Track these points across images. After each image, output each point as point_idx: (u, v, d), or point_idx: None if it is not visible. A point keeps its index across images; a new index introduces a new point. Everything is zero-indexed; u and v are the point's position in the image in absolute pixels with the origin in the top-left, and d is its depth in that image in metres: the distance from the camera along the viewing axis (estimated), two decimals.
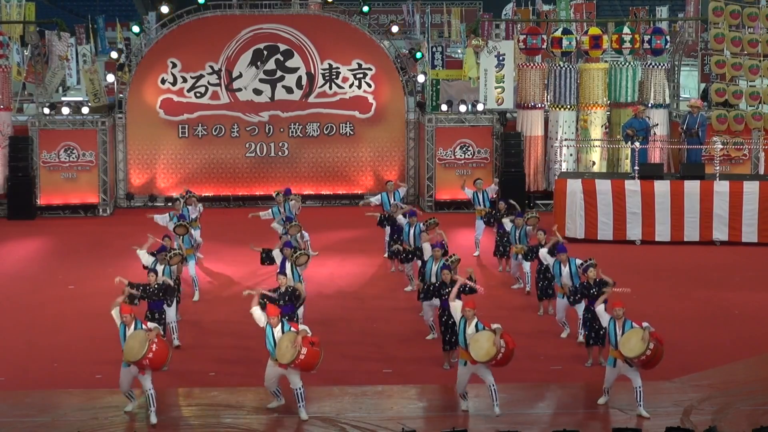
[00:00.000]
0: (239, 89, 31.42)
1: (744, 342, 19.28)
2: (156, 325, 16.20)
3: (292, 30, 31.42)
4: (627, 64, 30.88)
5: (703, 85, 33.68)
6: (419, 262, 20.23)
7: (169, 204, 27.63)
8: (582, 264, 18.48)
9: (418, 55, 32.49)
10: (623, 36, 30.90)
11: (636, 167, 26.85)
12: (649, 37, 31.18)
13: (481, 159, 30.78)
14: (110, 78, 32.21)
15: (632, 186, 26.62)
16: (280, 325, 15.59)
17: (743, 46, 29.86)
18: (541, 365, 17.95)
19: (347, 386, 17.05)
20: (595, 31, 31.11)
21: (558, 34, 30.84)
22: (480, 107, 30.83)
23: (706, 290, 22.62)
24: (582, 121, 30.71)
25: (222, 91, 31.40)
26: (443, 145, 30.75)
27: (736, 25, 30.05)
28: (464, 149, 30.75)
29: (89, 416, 15.80)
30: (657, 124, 30.00)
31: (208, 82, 31.36)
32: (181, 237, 21.52)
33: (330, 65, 31.50)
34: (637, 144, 27.43)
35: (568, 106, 30.70)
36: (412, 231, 22.10)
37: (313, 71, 31.49)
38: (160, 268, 18.85)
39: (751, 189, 26.28)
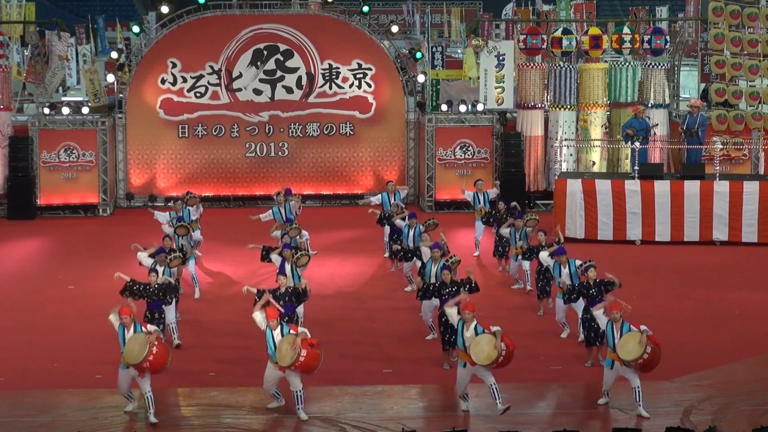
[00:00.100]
0: (239, 89, 31.42)
1: (744, 342, 19.28)
2: (156, 327, 16.18)
3: (292, 30, 31.42)
4: (627, 64, 30.88)
5: (703, 85, 33.67)
6: (419, 263, 20.23)
7: (169, 204, 27.62)
8: (582, 265, 18.49)
9: (418, 55, 32.49)
10: (623, 36, 30.90)
11: (636, 167, 26.85)
12: (649, 37, 31.18)
13: (481, 159, 30.78)
14: (110, 78, 32.21)
15: (632, 186, 26.62)
16: (279, 327, 15.59)
17: (743, 46, 29.86)
18: (541, 365, 17.95)
19: (347, 386, 17.05)
20: (595, 31, 31.11)
21: (558, 34, 30.84)
22: (480, 107, 30.83)
23: (706, 290, 22.62)
24: (582, 121, 30.70)
25: (222, 91, 31.40)
26: (443, 145, 30.75)
27: (736, 25, 30.04)
28: (464, 149, 30.75)
29: (89, 416, 15.81)
30: (657, 124, 30.00)
31: (208, 82, 31.36)
32: (181, 238, 21.54)
33: (330, 65, 31.50)
34: (637, 144, 27.43)
35: (568, 106, 30.69)
36: (411, 232, 22.11)
37: (313, 71, 31.49)
38: (160, 269, 18.86)
39: (751, 189, 26.28)
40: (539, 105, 31.03)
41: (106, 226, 29.17)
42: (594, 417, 15.95)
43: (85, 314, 20.53)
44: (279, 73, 31.45)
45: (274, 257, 19.93)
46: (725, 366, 18.15)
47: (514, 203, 23.65)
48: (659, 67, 30.96)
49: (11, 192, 29.87)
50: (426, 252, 19.61)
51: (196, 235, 23.29)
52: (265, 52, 31.38)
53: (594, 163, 30.40)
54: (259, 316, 15.89)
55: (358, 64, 31.57)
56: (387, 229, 24.32)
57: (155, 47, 31.36)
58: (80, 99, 34.12)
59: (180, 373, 17.26)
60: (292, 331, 15.56)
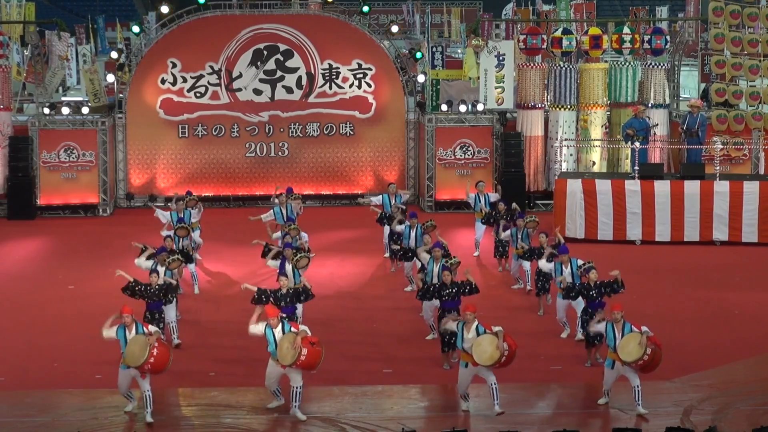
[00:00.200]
0: (239, 89, 31.41)
1: (744, 342, 19.28)
2: (157, 329, 16.19)
3: (292, 30, 31.41)
4: (627, 64, 30.87)
5: (703, 85, 33.67)
6: (419, 263, 20.22)
7: (169, 204, 27.60)
8: (582, 265, 18.49)
9: (418, 55, 32.48)
10: (623, 36, 30.90)
11: (636, 167, 26.85)
12: (649, 37, 31.18)
13: (481, 159, 30.77)
14: (110, 78, 32.20)
15: (632, 186, 26.62)
16: (280, 325, 15.60)
17: (743, 46, 29.86)
18: (541, 365, 17.95)
19: (347, 386, 17.05)
20: (595, 31, 31.11)
21: (558, 34, 30.83)
22: (480, 107, 30.82)
23: (706, 290, 22.61)
24: (582, 121, 30.70)
25: (222, 91, 31.39)
26: (443, 145, 30.74)
27: (736, 25, 30.04)
28: (464, 149, 30.74)
29: (89, 416, 15.81)
30: (657, 124, 30.00)
31: (208, 82, 31.35)
32: (182, 239, 21.53)
33: (330, 65, 31.49)
34: (637, 144, 27.43)
35: (568, 106, 30.69)
36: (412, 233, 22.09)
37: (313, 71, 31.49)
38: (161, 269, 18.86)
39: (751, 189, 26.28)
40: (539, 105, 31.02)
41: (106, 226, 29.17)
42: (594, 417, 15.95)
43: (85, 314, 20.51)
44: (279, 73, 31.44)
45: (271, 263, 19.97)
46: (725, 366, 18.15)
47: (514, 204, 23.65)
48: (659, 67, 30.95)
49: (11, 192, 29.87)
50: (425, 257, 19.57)
51: (196, 236, 23.29)
52: (265, 52, 31.37)
53: (594, 163, 30.39)
54: (254, 329, 15.89)
55: (358, 64, 31.57)
56: (386, 229, 24.32)
57: (155, 47, 31.36)
58: (80, 99, 34.11)
59: (180, 373, 17.25)
60: (293, 329, 15.57)
